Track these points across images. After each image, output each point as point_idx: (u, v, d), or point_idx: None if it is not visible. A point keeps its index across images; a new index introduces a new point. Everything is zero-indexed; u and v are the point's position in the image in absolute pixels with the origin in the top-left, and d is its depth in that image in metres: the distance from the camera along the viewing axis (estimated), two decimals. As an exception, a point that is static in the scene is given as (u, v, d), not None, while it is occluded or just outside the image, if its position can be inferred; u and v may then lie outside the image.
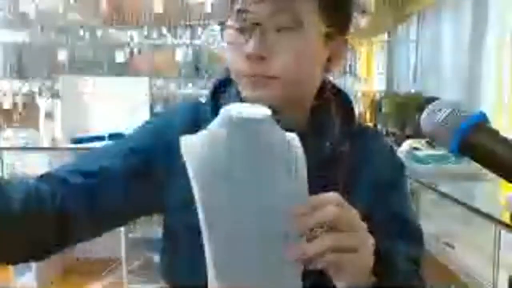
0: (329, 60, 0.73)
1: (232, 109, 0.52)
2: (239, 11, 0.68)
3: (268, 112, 0.53)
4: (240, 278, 0.52)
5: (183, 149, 0.53)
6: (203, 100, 0.80)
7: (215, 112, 0.57)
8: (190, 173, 0.52)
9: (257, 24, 0.66)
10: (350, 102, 0.78)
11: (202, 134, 0.55)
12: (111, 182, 0.70)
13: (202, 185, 0.51)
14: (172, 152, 0.54)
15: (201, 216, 0.51)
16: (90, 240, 0.72)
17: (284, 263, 0.52)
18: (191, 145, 0.54)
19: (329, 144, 0.72)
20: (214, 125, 0.54)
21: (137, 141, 0.76)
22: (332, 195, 0.54)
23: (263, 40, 0.66)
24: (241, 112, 0.52)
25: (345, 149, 0.73)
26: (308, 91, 0.74)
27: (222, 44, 0.73)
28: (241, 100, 0.71)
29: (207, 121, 0.56)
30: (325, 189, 0.55)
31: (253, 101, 0.66)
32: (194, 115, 0.76)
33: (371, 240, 0.56)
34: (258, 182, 0.52)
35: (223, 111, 0.53)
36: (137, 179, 0.72)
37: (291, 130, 0.58)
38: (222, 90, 0.78)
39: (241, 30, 0.68)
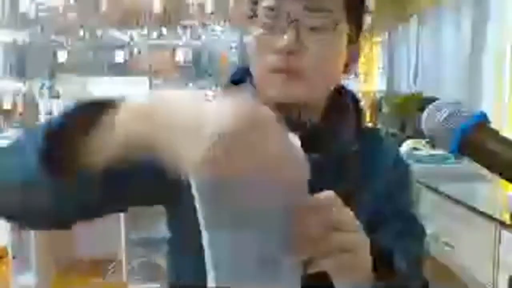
0: (346, 65, 0.73)
1: None
2: (271, 8, 0.68)
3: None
4: (239, 280, 0.52)
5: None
6: None
7: None
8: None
9: (293, 21, 0.66)
10: (358, 103, 0.79)
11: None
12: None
13: (200, 185, 0.51)
14: None
15: (200, 217, 0.51)
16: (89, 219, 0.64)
17: (283, 265, 0.52)
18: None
19: (339, 144, 0.72)
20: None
21: None
22: (329, 195, 0.53)
23: (298, 36, 0.66)
24: None
25: (354, 149, 0.73)
26: (327, 93, 0.74)
27: (226, 44, 0.72)
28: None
29: None
30: (334, 189, 0.54)
31: (281, 98, 0.66)
32: None
33: (367, 241, 0.56)
34: (258, 183, 0.52)
35: None
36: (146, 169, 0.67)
37: (304, 130, 0.58)
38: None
39: (270, 27, 0.68)
